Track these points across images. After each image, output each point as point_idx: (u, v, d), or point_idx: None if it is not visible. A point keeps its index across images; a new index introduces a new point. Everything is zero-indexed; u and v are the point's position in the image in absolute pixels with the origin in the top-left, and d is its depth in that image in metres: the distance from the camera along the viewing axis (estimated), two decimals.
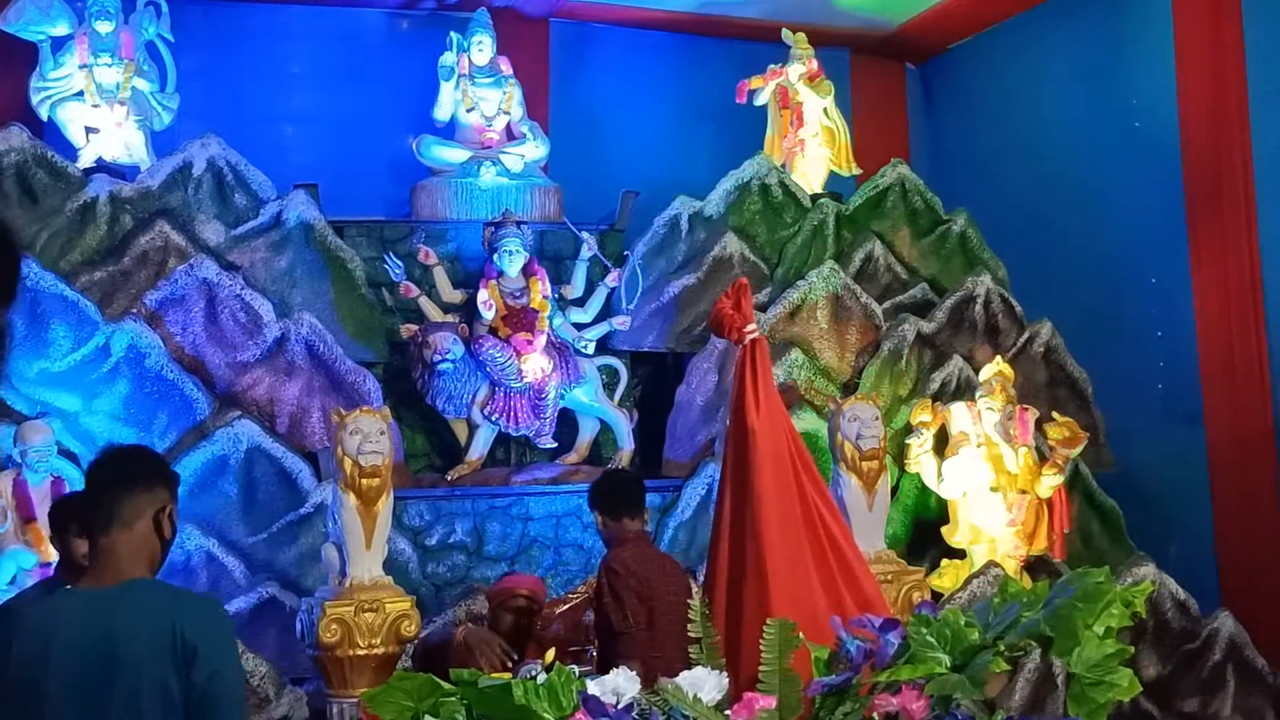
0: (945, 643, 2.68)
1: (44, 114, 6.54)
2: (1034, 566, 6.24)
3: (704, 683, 2.70)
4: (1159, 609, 6.21)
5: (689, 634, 4.26)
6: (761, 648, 2.76)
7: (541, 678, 2.69)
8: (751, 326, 3.85)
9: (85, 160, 6.42)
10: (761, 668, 2.73)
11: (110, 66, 6.47)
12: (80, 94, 6.48)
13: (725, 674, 2.72)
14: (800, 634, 2.75)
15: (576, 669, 2.89)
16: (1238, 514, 6.88)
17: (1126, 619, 2.72)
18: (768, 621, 2.80)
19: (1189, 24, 7.25)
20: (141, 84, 6.58)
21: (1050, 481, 6.36)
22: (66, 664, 2.45)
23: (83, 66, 6.47)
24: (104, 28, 6.49)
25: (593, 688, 2.71)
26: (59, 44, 6.54)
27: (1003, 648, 2.68)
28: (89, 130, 6.50)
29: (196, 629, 2.50)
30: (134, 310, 5.85)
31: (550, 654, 4.27)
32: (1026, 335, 7.14)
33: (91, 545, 2.67)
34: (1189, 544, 7.01)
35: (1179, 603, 6.30)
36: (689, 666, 2.83)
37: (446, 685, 2.69)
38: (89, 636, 2.47)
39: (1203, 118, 7.13)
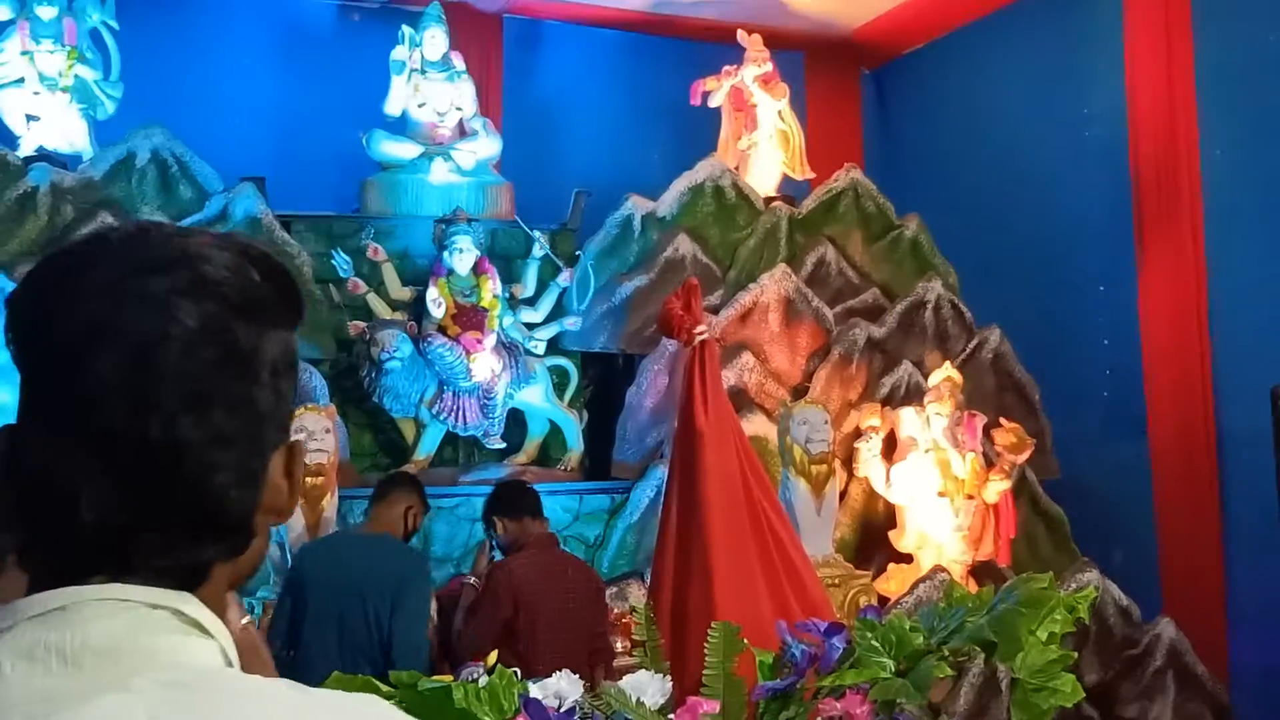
0: (890, 647, 2.67)
1: None
2: (980, 572, 6.28)
3: (647, 686, 2.67)
4: (1101, 615, 6.27)
5: (583, 638, 4.29)
6: (706, 651, 2.73)
7: (483, 680, 2.65)
8: (701, 328, 3.83)
9: (25, 149, 6.27)
10: (705, 671, 2.71)
11: (52, 53, 6.32)
12: (21, 81, 6.32)
13: (669, 677, 2.70)
14: (745, 638, 2.73)
15: (519, 672, 2.85)
16: (1180, 522, 6.96)
17: (1070, 625, 2.73)
18: (712, 625, 2.78)
19: (1139, 35, 7.34)
20: (85, 72, 6.43)
21: (997, 487, 6.39)
22: (333, 576, 3.89)
23: (24, 53, 6.30)
24: (46, 13, 6.33)
25: (534, 691, 2.68)
26: None
27: (947, 653, 2.68)
28: (29, 118, 6.35)
29: (406, 572, 3.94)
30: None
31: (492, 657, 4.23)
32: (976, 341, 7.18)
33: (370, 511, 4.30)
34: (1132, 551, 7.09)
35: (1121, 609, 6.36)
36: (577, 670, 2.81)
37: (385, 687, 2.64)
38: (346, 562, 3.94)
39: (1152, 128, 7.22)
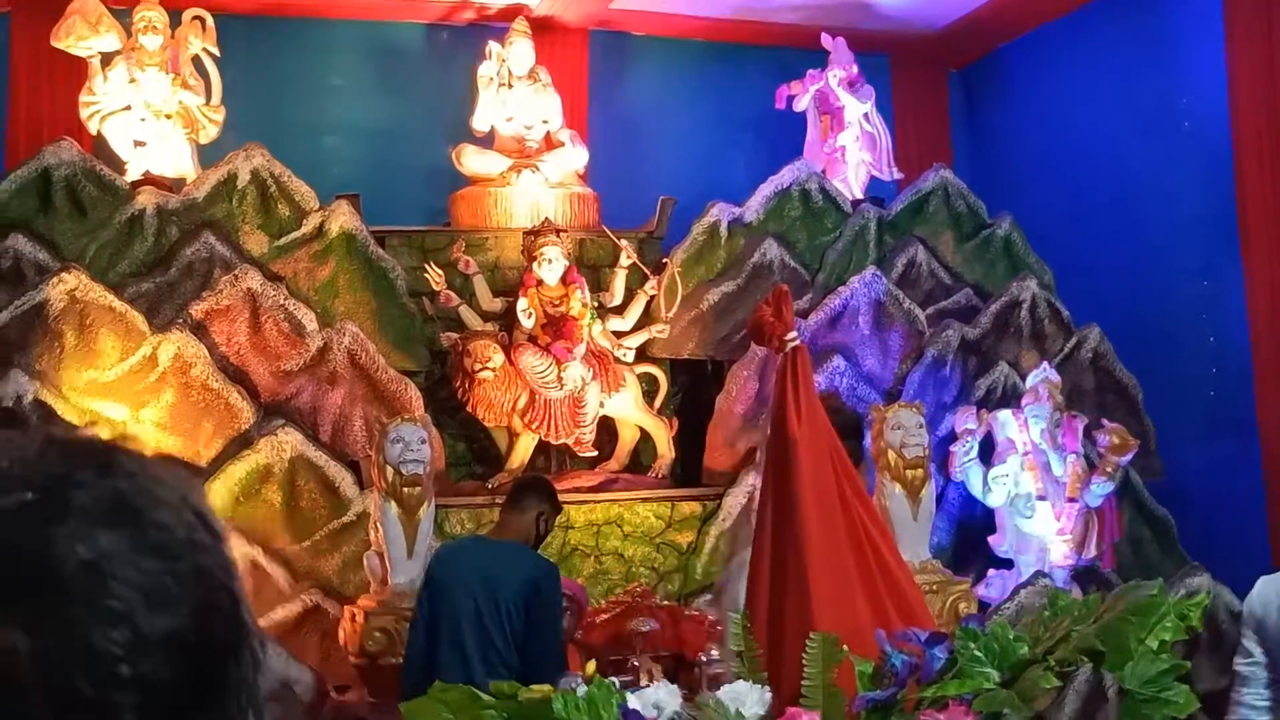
0: (993, 657, 2.63)
1: (93, 128, 6.62)
2: (1084, 576, 6.14)
3: (746, 697, 2.66)
4: (1213, 620, 6.07)
5: None
6: (805, 661, 2.72)
7: (581, 690, 2.67)
8: (792, 334, 3.82)
9: (133, 173, 6.50)
10: (804, 682, 2.69)
11: (157, 81, 6.55)
12: (128, 108, 6.56)
13: (768, 688, 2.69)
14: (844, 647, 2.71)
15: (617, 681, 2.87)
16: None
17: (1181, 633, 2.66)
18: (811, 635, 2.76)
19: (1240, 18, 7.10)
20: (188, 97, 6.65)
21: (1100, 490, 6.25)
22: (468, 579, 4.00)
23: (130, 81, 6.55)
24: (151, 43, 6.56)
25: (633, 701, 2.69)
26: (108, 59, 6.63)
27: (1053, 662, 2.63)
28: (136, 144, 6.58)
29: (543, 579, 4.03)
30: (180, 320, 5.91)
31: (591, 666, 4.27)
32: (1074, 341, 7.03)
33: (501, 516, 4.43)
34: (1243, 554, 6.85)
35: (1234, 614, 6.15)
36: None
37: (485, 697, 2.68)
38: (480, 566, 4.05)
39: (1255, 115, 6.97)
